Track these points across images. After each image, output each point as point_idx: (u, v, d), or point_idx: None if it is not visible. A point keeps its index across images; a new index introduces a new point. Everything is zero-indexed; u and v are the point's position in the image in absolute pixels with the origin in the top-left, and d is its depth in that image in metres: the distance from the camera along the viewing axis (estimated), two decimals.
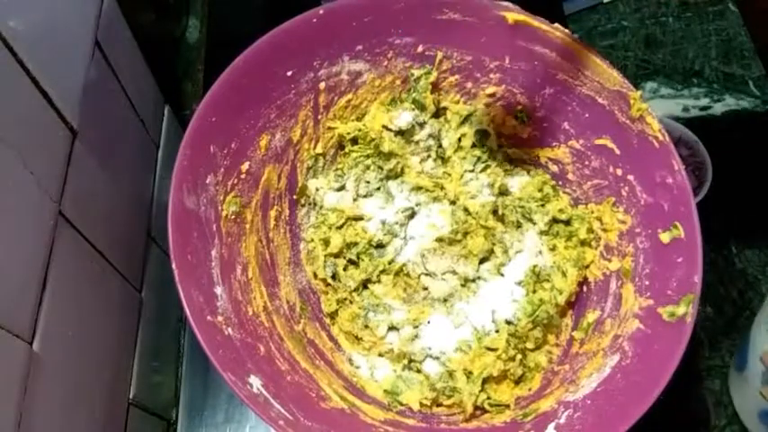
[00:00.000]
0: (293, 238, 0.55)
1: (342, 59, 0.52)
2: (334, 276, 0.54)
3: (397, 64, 0.54)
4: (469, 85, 0.55)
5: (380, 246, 0.54)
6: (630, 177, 0.49)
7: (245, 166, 0.49)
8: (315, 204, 0.56)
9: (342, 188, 0.56)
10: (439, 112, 0.57)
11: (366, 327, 0.52)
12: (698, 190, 0.61)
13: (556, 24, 0.49)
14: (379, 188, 0.56)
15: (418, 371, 0.51)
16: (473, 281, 0.53)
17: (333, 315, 0.54)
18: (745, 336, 0.54)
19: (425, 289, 0.54)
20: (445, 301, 0.53)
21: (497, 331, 0.51)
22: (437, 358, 0.51)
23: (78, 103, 0.45)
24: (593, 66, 0.49)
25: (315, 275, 0.55)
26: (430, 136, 0.56)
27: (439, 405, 0.50)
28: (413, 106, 0.55)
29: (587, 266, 0.52)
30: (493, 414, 0.49)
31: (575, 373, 0.48)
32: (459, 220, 0.54)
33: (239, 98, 0.47)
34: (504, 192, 0.55)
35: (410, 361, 0.51)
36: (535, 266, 0.52)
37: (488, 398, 0.49)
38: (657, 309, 0.44)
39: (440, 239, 0.53)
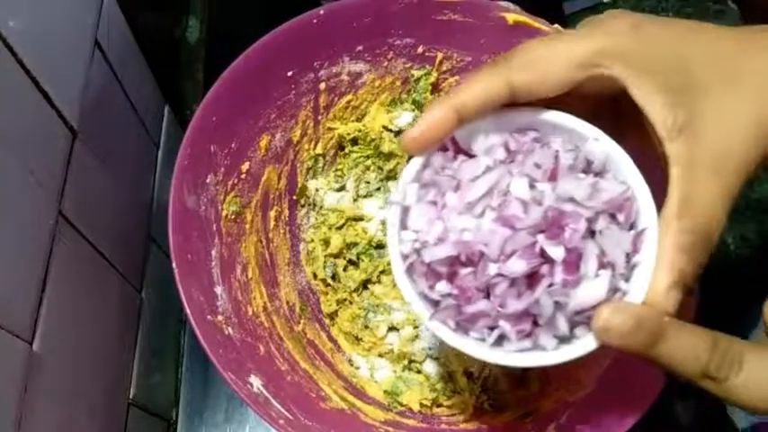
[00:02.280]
0: (293, 238, 0.55)
1: (342, 60, 0.52)
2: (333, 277, 0.54)
3: (398, 65, 0.54)
4: None
5: (380, 246, 0.54)
6: None
7: (245, 166, 0.49)
8: (315, 205, 0.56)
9: (342, 188, 0.56)
10: None
11: (366, 327, 0.52)
12: None
13: (555, 25, 0.49)
14: (379, 188, 0.56)
15: (418, 371, 0.51)
16: None
17: (332, 315, 0.54)
18: (748, 323, 0.54)
19: None
20: None
21: None
22: (437, 359, 0.51)
23: (78, 103, 0.45)
24: None
25: (314, 276, 0.55)
26: None
27: (439, 405, 0.50)
28: (413, 107, 0.55)
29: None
30: (493, 414, 0.49)
31: (575, 373, 0.47)
32: None
33: (239, 98, 0.47)
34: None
35: (410, 361, 0.51)
36: None
37: (489, 398, 0.49)
38: None
39: None
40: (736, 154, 0.24)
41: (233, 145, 0.48)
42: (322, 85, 0.52)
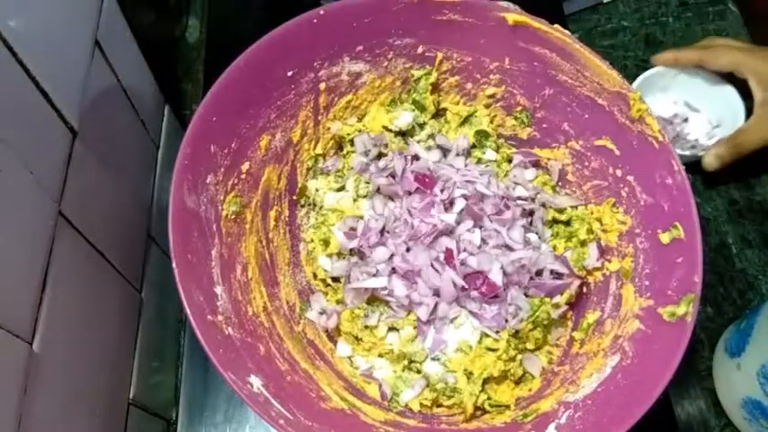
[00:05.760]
0: (293, 238, 0.55)
1: (342, 60, 0.52)
2: (333, 277, 0.54)
3: (398, 65, 0.54)
4: (469, 85, 0.55)
5: None
6: (630, 178, 0.49)
7: (245, 166, 0.49)
8: (314, 205, 0.56)
9: (341, 189, 0.56)
10: (439, 113, 0.57)
11: (366, 327, 0.52)
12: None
13: (555, 25, 0.49)
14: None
15: (418, 371, 0.51)
16: None
17: None
18: (749, 322, 0.54)
19: None
20: None
21: (498, 332, 0.51)
22: (437, 359, 0.51)
23: (78, 103, 0.45)
24: (592, 66, 0.49)
25: (314, 276, 0.55)
26: (430, 137, 0.56)
27: (439, 405, 0.50)
28: (413, 107, 0.55)
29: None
30: (493, 414, 0.49)
31: (575, 373, 0.48)
32: None
33: (240, 98, 0.47)
34: None
35: (410, 361, 0.51)
36: None
37: (489, 398, 0.49)
38: (658, 309, 0.44)
39: None
40: None
41: (233, 145, 0.48)
42: (322, 85, 0.52)
